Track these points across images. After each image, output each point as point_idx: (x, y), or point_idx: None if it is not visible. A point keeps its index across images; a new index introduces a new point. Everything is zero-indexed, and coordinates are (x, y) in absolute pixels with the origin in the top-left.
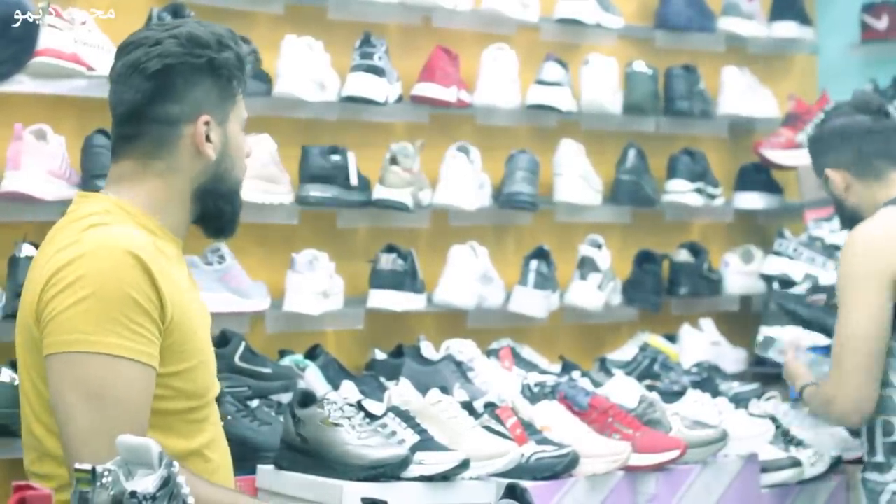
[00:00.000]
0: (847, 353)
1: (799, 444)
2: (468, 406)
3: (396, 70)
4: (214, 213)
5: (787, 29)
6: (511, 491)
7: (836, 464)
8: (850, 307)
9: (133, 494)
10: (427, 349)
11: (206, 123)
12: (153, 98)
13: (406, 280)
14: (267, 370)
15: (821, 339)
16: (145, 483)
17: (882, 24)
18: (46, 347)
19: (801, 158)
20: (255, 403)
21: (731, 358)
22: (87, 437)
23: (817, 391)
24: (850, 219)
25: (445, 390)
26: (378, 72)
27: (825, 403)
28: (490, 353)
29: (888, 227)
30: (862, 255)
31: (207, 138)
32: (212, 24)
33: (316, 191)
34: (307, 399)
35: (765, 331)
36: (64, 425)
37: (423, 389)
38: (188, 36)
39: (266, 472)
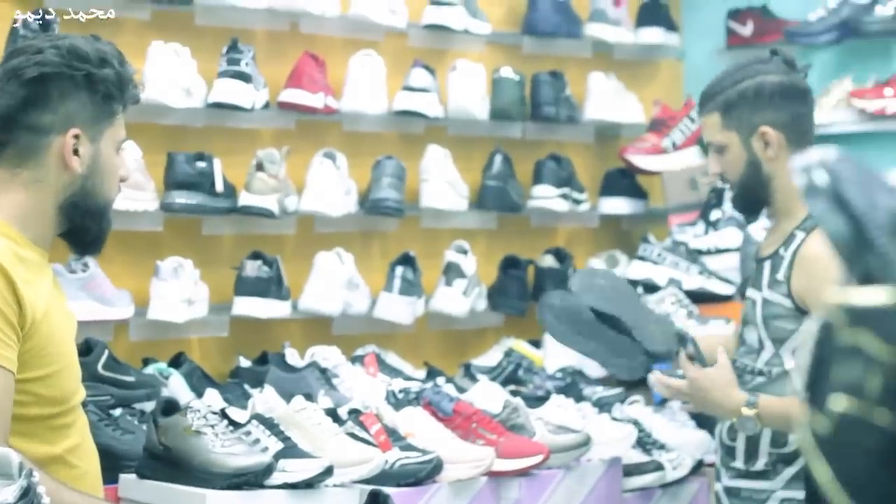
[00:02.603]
0: None
1: (661, 447)
2: (332, 413)
3: (263, 76)
4: (80, 228)
5: (653, 35)
6: (374, 498)
7: (698, 467)
8: None
9: None
10: (292, 356)
11: (76, 137)
12: (26, 105)
13: (271, 287)
14: (130, 378)
15: None
16: (5, 494)
17: (747, 30)
18: None
19: (666, 164)
20: (117, 412)
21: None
22: None
23: None
24: (757, 185)
25: (310, 397)
26: (245, 78)
27: None
28: (355, 360)
29: None
30: None
31: (76, 152)
32: (103, 41)
33: (181, 198)
34: (170, 407)
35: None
36: None
37: (288, 396)
38: (70, 48)
39: (128, 482)
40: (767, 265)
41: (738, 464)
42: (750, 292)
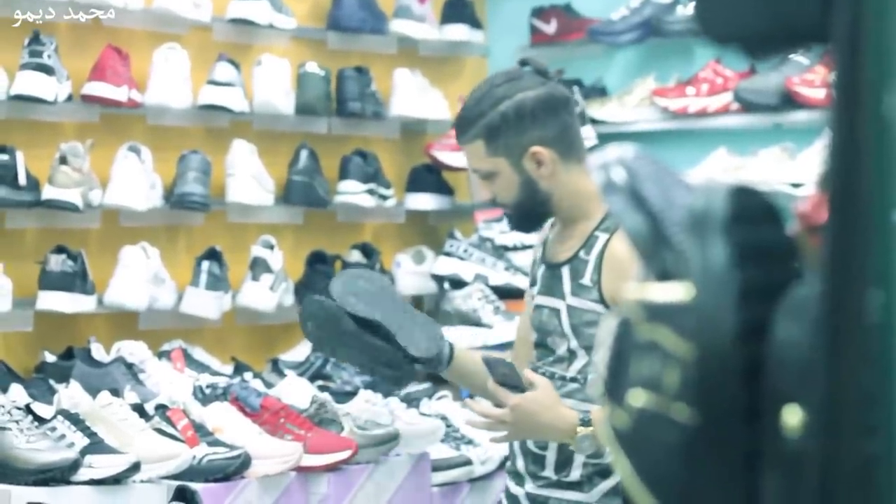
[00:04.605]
0: None
1: (469, 442)
2: (139, 408)
3: (66, 69)
4: None
5: (458, 32)
6: (181, 493)
7: (505, 462)
8: None
9: None
10: (97, 351)
11: None
12: None
13: (76, 281)
14: None
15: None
16: None
17: (551, 28)
18: None
19: None
20: None
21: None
22: None
23: None
24: (536, 203)
25: (116, 392)
26: (47, 70)
27: None
28: (162, 355)
29: None
30: None
31: None
32: None
33: None
34: None
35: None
36: None
37: (94, 392)
38: None
39: None
40: (566, 271)
41: (549, 473)
42: (545, 300)
